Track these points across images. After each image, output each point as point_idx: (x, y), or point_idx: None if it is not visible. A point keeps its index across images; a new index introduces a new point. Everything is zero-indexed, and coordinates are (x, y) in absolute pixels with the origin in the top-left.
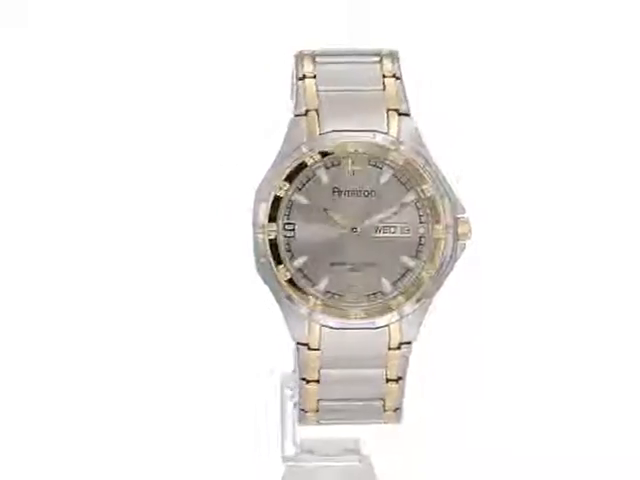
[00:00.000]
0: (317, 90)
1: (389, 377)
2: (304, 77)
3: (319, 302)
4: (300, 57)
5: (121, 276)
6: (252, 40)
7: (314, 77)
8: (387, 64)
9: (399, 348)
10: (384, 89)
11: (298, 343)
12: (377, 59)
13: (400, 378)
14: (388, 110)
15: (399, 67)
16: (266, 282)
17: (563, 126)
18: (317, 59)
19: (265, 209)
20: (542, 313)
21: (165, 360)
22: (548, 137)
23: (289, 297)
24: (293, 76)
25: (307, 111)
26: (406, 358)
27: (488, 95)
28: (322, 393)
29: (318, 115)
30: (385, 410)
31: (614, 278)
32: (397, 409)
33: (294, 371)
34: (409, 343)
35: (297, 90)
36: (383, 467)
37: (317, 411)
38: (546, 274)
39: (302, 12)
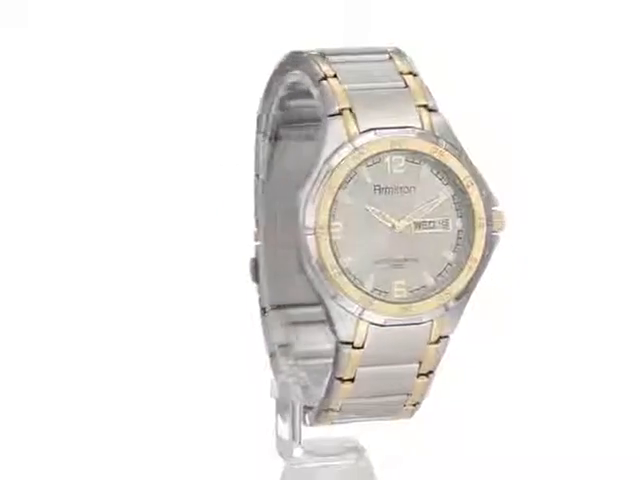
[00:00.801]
0: (344, 89)
1: (421, 371)
2: (326, 77)
3: (368, 300)
4: (312, 57)
5: (118, 277)
6: (246, 39)
7: (335, 76)
8: (398, 62)
9: (437, 342)
10: (406, 86)
11: (342, 342)
12: (387, 57)
13: (431, 372)
14: (417, 106)
15: (412, 64)
16: (315, 284)
17: (560, 120)
18: (329, 58)
19: (313, 211)
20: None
21: (166, 361)
22: (545, 131)
23: (339, 297)
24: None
25: (341, 110)
26: (442, 351)
27: (485, 93)
28: (353, 391)
29: (353, 114)
30: (404, 405)
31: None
32: (417, 403)
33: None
34: (447, 337)
35: (322, 90)
36: (383, 467)
37: (340, 410)
38: (556, 270)
39: (293, 11)
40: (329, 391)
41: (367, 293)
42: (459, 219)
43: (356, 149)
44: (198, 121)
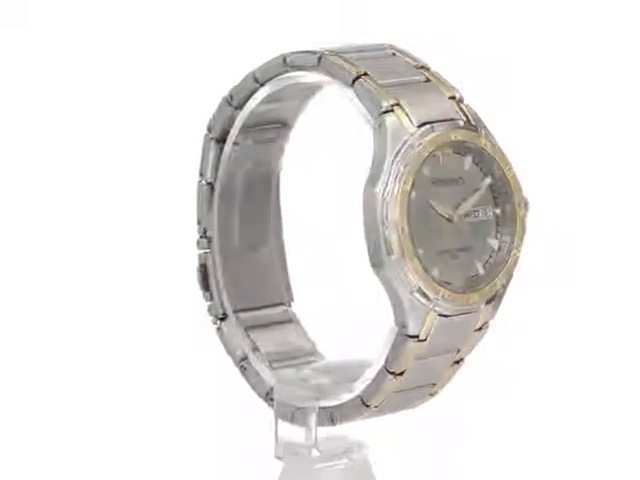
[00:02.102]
0: (381, 86)
1: (456, 359)
2: (359, 76)
3: (442, 292)
4: (331, 57)
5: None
6: (243, 38)
7: (366, 74)
8: (406, 57)
9: (481, 329)
10: (428, 80)
11: (409, 336)
12: (390, 52)
13: (462, 359)
14: (448, 98)
15: (420, 58)
16: (392, 278)
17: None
18: (345, 57)
19: (391, 207)
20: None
21: (172, 360)
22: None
23: (417, 290)
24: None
25: (392, 106)
26: (482, 338)
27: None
28: (399, 385)
29: (403, 109)
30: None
31: None
32: (435, 393)
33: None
34: (487, 323)
35: (362, 89)
36: (383, 467)
37: (377, 406)
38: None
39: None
40: (378, 386)
41: (440, 285)
42: (496, 206)
43: (420, 144)
44: (193, 121)
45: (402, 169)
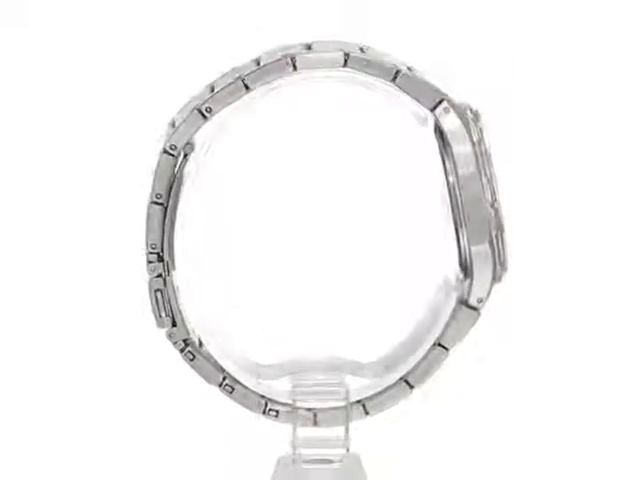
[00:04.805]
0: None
1: None
2: (398, 70)
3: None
4: (365, 55)
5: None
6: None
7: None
8: (373, 50)
9: None
10: (410, 69)
11: (475, 309)
12: (359, 47)
13: None
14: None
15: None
16: (490, 254)
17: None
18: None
19: (488, 187)
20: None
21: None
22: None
23: (503, 263)
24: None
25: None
26: None
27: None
28: (445, 361)
29: (448, 97)
30: None
31: None
32: None
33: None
34: None
35: (408, 83)
36: (376, 466)
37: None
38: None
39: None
40: (430, 364)
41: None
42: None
43: (481, 125)
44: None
45: (482, 149)
